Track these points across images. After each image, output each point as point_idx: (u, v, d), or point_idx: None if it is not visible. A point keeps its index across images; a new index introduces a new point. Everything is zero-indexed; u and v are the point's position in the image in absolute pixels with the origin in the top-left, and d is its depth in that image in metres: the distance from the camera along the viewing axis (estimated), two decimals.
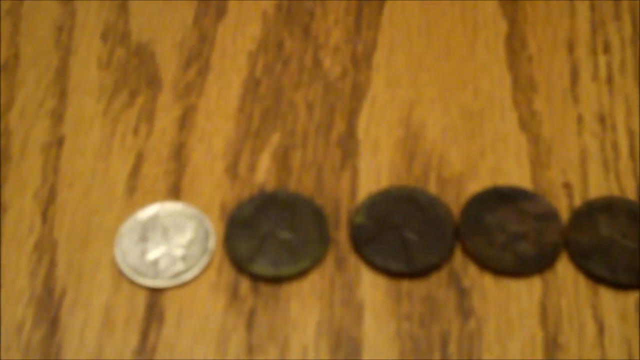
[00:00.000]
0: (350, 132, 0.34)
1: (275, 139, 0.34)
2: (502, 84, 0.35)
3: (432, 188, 0.32)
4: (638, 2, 0.37)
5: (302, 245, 0.31)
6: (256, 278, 0.30)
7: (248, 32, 0.37)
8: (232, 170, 0.33)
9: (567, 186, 0.32)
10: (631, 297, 0.30)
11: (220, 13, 0.37)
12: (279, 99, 0.35)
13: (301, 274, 0.30)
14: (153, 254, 0.31)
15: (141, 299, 0.30)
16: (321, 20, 0.37)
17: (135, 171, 0.33)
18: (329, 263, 0.31)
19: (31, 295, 0.30)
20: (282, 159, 0.33)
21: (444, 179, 0.33)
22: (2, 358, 0.29)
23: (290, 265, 0.30)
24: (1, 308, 0.30)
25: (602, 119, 0.34)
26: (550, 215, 0.31)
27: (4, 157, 0.33)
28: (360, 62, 0.36)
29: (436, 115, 0.34)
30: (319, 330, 0.29)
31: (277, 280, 0.30)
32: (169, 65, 0.36)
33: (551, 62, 0.36)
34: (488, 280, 0.30)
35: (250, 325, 0.29)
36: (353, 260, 0.31)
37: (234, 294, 0.30)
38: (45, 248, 0.31)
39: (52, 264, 0.31)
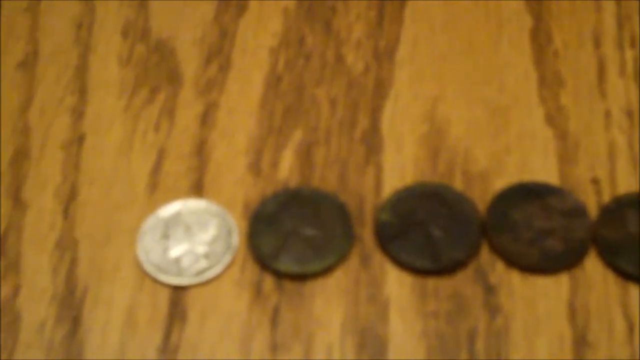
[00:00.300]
0: (374, 129, 0.33)
1: (297, 135, 0.33)
2: (528, 80, 0.35)
3: (458, 184, 0.32)
4: None
5: (326, 242, 0.30)
6: (280, 275, 0.30)
7: (269, 28, 0.36)
8: (254, 166, 0.33)
9: (595, 182, 0.32)
10: None
11: (241, 9, 0.37)
12: (301, 95, 0.34)
13: (326, 271, 0.30)
14: (175, 251, 0.30)
15: (164, 297, 0.30)
16: (343, 15, 0.37)
17: (156, 168, 0.33)
18: (353, 260, 0.30)
19: (53, 294, 0.30)
20: (305, 155, 0.33)
21: (470, 175, 0.32)
22: (23, 357, 0.29)
23: (315, 262, 0.30)
24: (23, 306, 0.30)
25: (630, 114, 0.33)
26: (578, 211, 0.31)
27: (23, 155, 0.33)
28: (383, 58, 0.35)
29: (460, 111, 0.34)
30: (344, 328, 0.29)
31: (301, 278, 0.30)
32: (189, 62, 0.35)
33: (577, 57, 0.35)
34: (515, 277, 0.30)
35: (274, 323, 0.29)
36: (378, 257, 0.30)
37: (257, 292, 0.30)
38: (67, 246, 0.31)
39: (74, 262, 0.31)
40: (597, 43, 0.35)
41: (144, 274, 0.30)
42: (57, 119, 0.34)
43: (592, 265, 0.30)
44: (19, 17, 0.37)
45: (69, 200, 0.32)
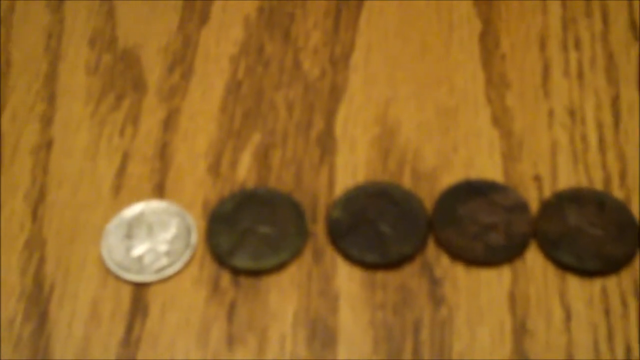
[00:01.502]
0: (329, 131, 0.35)
1: (256, 138, 0.35)
2: (476, 81, 0.36)
3: (407, 182, 0.34)
4: None
5: (281, 239, 0.32)
6: (237, 271, 0.32)
7: (230, 36, 0.38)
8: (214, 169, 0.34)
9: (537, 178, 0.34)
10: (597, 283, 0.31)
11: (204, 18, 0.39)
12: (260, 99, 0.36)
13: (280, 266, 0.32)
14: (138, 250, 0.32)
15: (126, 293, 0.31)
16: (301, 22, 0.38)
17: (121, 171, 0.34)
18: (307, 256, 0.32)
19: (22, 291, 0.31)
20: (263, 157, 0.34)
21: (419, 173, 0.34)
22: None
23: (270, 258, 0.32)
24: None
25: (572, 113, 0.35)
26: (520, 206, 0.32)
27: None
28: (339, 63, 0.37)
29: (411, 112, 0.35)
30: (297, 319, 0.31)
31: (256, 273, 0.32)
32: (154, 69, 0.37)
33: (523, 60, 0.37)
34: (459, 270, 0.31)
35: (230, 316, 0.31)
36: (330, 252, 0.32)
37: (215, 287, 0.31)
38: (35, 246, 0.33)
39: (42, 260, 0.32)
40: (543, 45, 0.37)
41: (107, 272, 0.32)
42: (28, 125, 0.36)
43: (533, 258, 0.32)
44: None
45: (38, 202, 0.34)
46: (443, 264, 0.32)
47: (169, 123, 0.36)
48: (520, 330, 0.30)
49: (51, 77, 0.37)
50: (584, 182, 0.33)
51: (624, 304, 0.31)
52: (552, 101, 0.35)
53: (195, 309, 0.31)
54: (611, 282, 0.31)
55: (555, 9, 0.38)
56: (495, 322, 0.30)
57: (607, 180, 0.33)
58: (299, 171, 0.34)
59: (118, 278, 0.32)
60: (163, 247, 0.32)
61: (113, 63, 0.37)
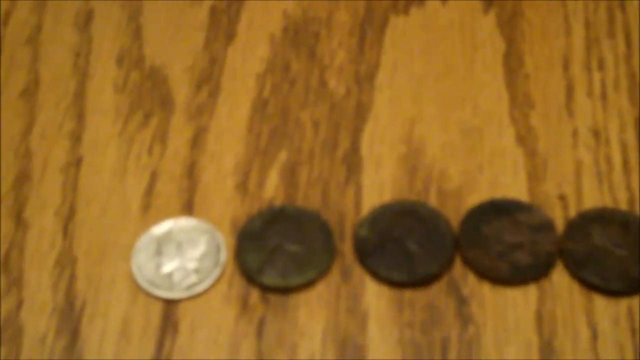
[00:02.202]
0: (355, 149, 0.35)
1: (282, 156, 0.35)
2: (500, 101, 0.37)
3: (433, 201, 0.34)
4: (631, 20, 0.39)
5: (309, 257, 0.32)
6: (265, 289, 0.32)
7: (256, 55, 0.38)
8: (242, 186, 0.35)
9: (562, 198, 0.34)
10: (623, 303, 0.31)
11: (230, 37, 0.39)
12: (286, 118, 0.36)
13: (308, 284, 0.32)
14: (168, 267, 0.32)
15: (156, 310, 0.32)
16: (326, 42, 0.39)
17: (149, 189, 0.35)
18: (334, 274, 0.32)
19: (53, 308, 0.32)
20: (290, 175, 0.35)
21: (444, 192, 0.34)
22: None
23: (298, 276, 0.32)
24: (25, 320, 0.32)
25: (596, 134, 0.35)
26: (546, 226, 0.33)
27: (25, 177, 0.35)
28: (364, 82, 0.37)
29: (436, 131, 0.36)
30: (326, 337, 0.31)
31: (285, 291, 0.32)
32: (181, 88, 0.38)
33: (547, 79, 0.37)
34: (486, 289, 0.32)
35: (260, 333, 0.31)
36: (357, 271, 0.32)
37: (244, 304, 0.32)
38: (66, 263, 0.33)
39: (73, 277, 0.33)
40: (566, 65, 0.37)
41: (137, 289, 0.32)
42: (57, 143, 0.36)
43: (559, 277, 0.32)
44: (20, 49, 0.39)
45: (68, 219, 0.34)
46: (470, 282, 0.32)
47: (196, 141, 0.36)
48: (547, 350, 0.30)
49: (80, 96, 0.38)
50: (608, 202, 0.34)
51: None
52: (576, 121, 0.36)
53: (225, 326, 0.31)
54: (637, 302, 0.31)
55: (578, 29, 0.39)
56: (522, 342, 0.31)
57: (632, 201, 0.34)
58: (325, 189, 0.34)
59: (148, 295, 0.32)
60: (192, 265, 0.32)
61: (140, 81, 0.38)
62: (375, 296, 0.32)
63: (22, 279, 0.33)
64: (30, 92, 0.38)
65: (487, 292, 0.32)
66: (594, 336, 0.31)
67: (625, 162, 0.35)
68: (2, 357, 0.31)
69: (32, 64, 0.39)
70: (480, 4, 0.39)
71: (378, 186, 0.34)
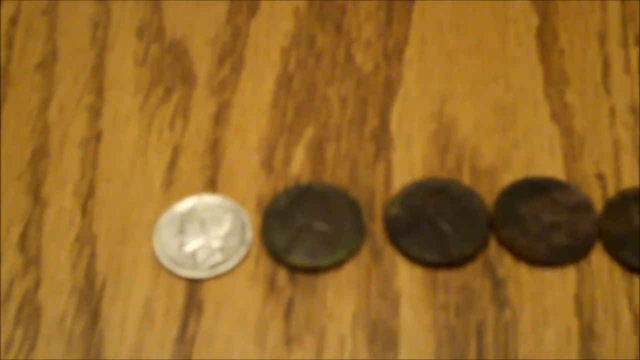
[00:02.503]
0: (384, 126, 0.34)
1: (309, 132, 0.34)
2: (534, 78, 0.35)
3: (466, 180, 0.33)
4: None
5: (337, 237, 0.31)
6: (293, 269, 0.31)
7: (281, 28, 0.37)
8: (267, 163, 0.33)
9: (600, 177, 0.33)
10: None
11: (253, 9, 0.38)
12: (312, 93, 0.35)
13: (337, 264, 0.31)
14: (191, 245, 0.31)
15: (180, 290, 0.31)
16: (353, 15, 0.37)
17: (172, 165, 0.33)
18: (364, 254, 0.31)
19: (72, 287, 0.31)
20: (316, 152, 0.34)
21: (477, 171, 0.33)
22: (45, 349, 0.29)
23: (327, 256, 0.31)
24: (43, 299, 0.30)
25: (634, 110, 0.34)
26: (584, 205, 0.32)
27: (43, 153, 0.34)
28: (392, 57, 0.36)
29: (468, 109, 0.35)
30: (356, 320, 0.30)
31: (313, 271, 0.31)
32: (203, 61, 0.36)
33: (583, 55, 0.36)
34: (523, 270, 0.31)
35: (288, 315, 0.30)
36: (389, 251, 0.31)
37: (271, 285, 0.31)
38: (85, 241, 0.32)
39: (92, 256, 0.31)
40: (602, 41, 0.36)
41: (160, 268, 0.31)
42: (75, 118, 0.35)
43: (598, 259, 0.31)
44: (38, 19, 0.38)
45: (87, 196, 0.33)
46: (506, 264, 0.31)
47: (219, 117, 0.35)
48: (588, 334, 0.29)
49: (98, 69, 0.36)
50: None
51: None
52: (613, 98, 0.35)
53: (252, 307, 0.30)
54: None
55: (614, 4, 0.37)
56: (561, 325, 0.29)
57: None
58: (353, 167, 0.33)
59: (171, 274, 0.31)
60: (217, 243, 0.31)
61: (161, 54, 0.37)
62: (407, 277, 0.31)
63: (40, 257, 0.31)
64: (47, 64, 0.36)
65: (524, 274, 0.31)
66: (636, 320, 0.29)
67: None
68: (20, 337, 0.30)
69: (50, 35, 0.37)
70: None
71: (408, 164, 0.33)
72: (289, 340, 0.29)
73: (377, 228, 0.32)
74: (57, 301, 0.30)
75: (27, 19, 0.38)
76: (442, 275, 0.31)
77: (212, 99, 0.35)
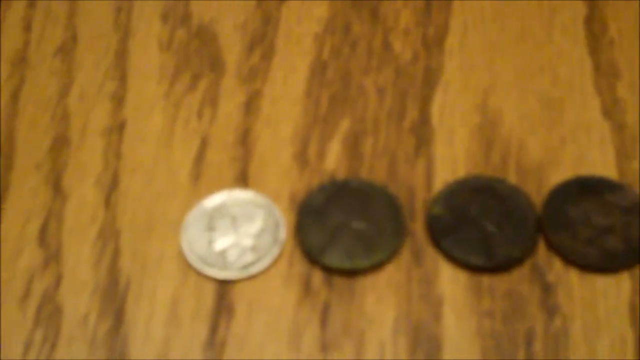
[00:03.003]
0: (424, 119, 0.32)
1: (344, 125, 0.32)
2: (582, 70, 0.33)
3: (512, 178, 0.31)
4: None
5: (376, 237, 0.29)
6: (329, 270, 0.29)
7: (314, 14, 0.35)
8: (300, 157, 0.32)
9: None
10: None
11: None
12: (348, 83, 0.33)
13: (376, 266, 0.29)
14: (221, 243, 0.29)
15: (209, 291, 0.29)
16: (390, 1, 0.35)
17: (199, 157, 0.32)
18: (405, 256, 0.29)
19: (95, 286, 0.29)
20: (353, 145, 0.32)
21: (524, 168, 0.31)
22: (66, 350, 0.28)
23: (365, 257, 0.29)
24: (64, 298, 0.29)
25: None
26: (638, 207, 0.30)
27: (63, 141, 0.32)
28: (432, 46, 0.34)
29: (513, 102, 0.33)
30: (397, 326, 0.28)
31: (351, 273, 0.29)
32: (232, 48, 0.34)
33: (634, 46, 0.34)
34: (573, 276, 0.29)
35: (324, 320, 0.28)
36: (431, 252, 0.29)
37: (306, 287, 0.29)
38: (109, 237, 0.30)
39: (116, 253, 0.30)
40: None
41: (188, 267, 0.29)
42: (97, 105, 0.33)
43: None
44: (57, 2, 0.36)
45: (111, 189, 0.31)
46: (555, 269, 0.29)
47: (250, 107, 0.33)
48: None
49: (121, 54, 0.34)
50: None
51: None
52: None
53: (285, 310, 0.28)
54: None
55: None
56: (615, 335, 0.28)
57: None
58: (392, 162, 0.31)
59: (200, 274, 0.29)
60: (248, 242, 0.29)
61: (187, 40, 0.35)
62: (450, 281, 0.29)
63: (61, 253, 0.30)
64: (67, 49, 0.35)
65: (575, 280, 0.29)
66: None
67: None
68: (40, 338, 0.28)
69: (70, 19, 0.35)
70: None
71: (451, 160, 0.31)
72: (325, 347, 0.28)
73: (418, 228, 0.30)
74: (78, 300, 0.29)
75: (46, 2, 0.36)
76: (487, 280, 0.29)
77: (242, 88, 0.33)
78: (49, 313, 0.28)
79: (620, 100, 0.32)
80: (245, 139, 0.32)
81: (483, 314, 0.28)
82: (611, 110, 0.32)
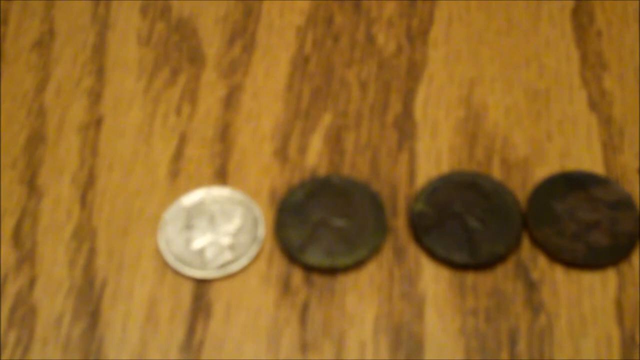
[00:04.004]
0: (407, 113, 0.32)
1: (326, 119, 0.32)
2: (569, 61, 0.33)
3: (496, 173, 0.30)
4: None
5: (357, 234, 0.29)
6: (309, 269, 0.28)
7: (296, 6, 0.35)
8: (281, 153, 0.31)
9: None
10: None
11: None
12: (330, 77, 0.33)
13: (357, 264, 0.28)
14: (199, 242, 0.29)
15: (187, 291, 0.28)
16: None
17: (178, 153, 0.31)
18: (387, 253, 0.29)
19: (70, 286, 0.28)
20: (335, 141, 0.31)
21: (509, 163, 0.30)
22: (40, 352, 0.27)
23: (346, 255, 0.28)
24: (38, 299, 0.28)
25: None
26: (625, 202, 0.29)
27: (39, 138, 0.32)
28: (416, 38, 0.33)
29: (498, 94, 0.32)
30: (378, 325, 0.27)
31: (331, 272, 0.28)
32: (212, 41, 0.34)
33: (622, 38, 0.33)
34: (559, 273, 0.28)
35: (303, 320, 0.28)
36: (413, 250, 0.29)
37: (285, 286, 0.28)
38: (85, 235, 0.29)
39: (92, 252, 0.29)
40: None
41: (165, 266, 0.29)
42: (74, 101, 0.32)
43: None
44: None
45: (87, 186, 0.30)
46: (540, 265, 0.28)
47: (230, 101, 0.32)
48: (630, 344, 0.27)
49: (99, 49, 0.34)
50: None
51: None
52: None
53: (264, 310, 0.28)
54: None
55: None
56: (600, 334, 0.27)
57: None
58: (375, 158, 0.31)
59: (177, 273, 0.28)
60: (226, 240, 0.29)
61: (167, 34, 0.34)
62: (433, 279, 0.28)
63: (35, 253, 0.29)
64: (44, 43, 0.34)
65: (560, 277, 0.28)
66: None
67: None
68: (13, 340, 0.27)
69: (47, 11, 0.35)
70: None
71: (434, 155, 0.31)
72: (304, 347, 0.27)
73: (400, 225, 0.29)
74: (53, 301, 0.28)
75: None
76: (470, 277, 0.28)
77: (222, 82, 0.33)
78: (23, 314, 0.28)
79: (607, 93, 0.32)
80: (224, 134, 0.31)
81: (466, 312, 0.28)
82: (598, 102, 0.32)
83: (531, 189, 0.30)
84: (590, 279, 0.28)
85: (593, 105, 0.32)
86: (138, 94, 0.32)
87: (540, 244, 0.28)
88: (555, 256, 0.28)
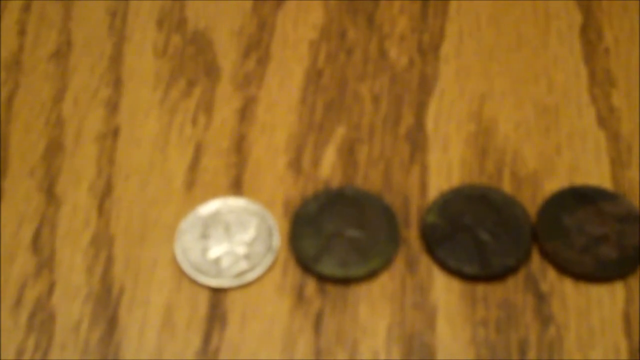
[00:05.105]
0: (419, 126, 0.32)
1: (340, 132, 0.32)
2: (578, 78, 0.33)
3: (506, 186, 0.31)
4: None
5: (371, 245, 0.29)
6: (323, 279, 0.29)
7: (309, 20, 0.35)
8: (295, 164, 0.32)
9: None
10: None
11: (280, 0, 0.36)
12: (343, 90, 0.33)
13: (370, 275, 0.29)
14: (215, 251, 0.29)
15: (203, 299, 0.29)
16: (386, 8, 0.35)
17: (194, 164, 0.32)
18: (399, 264, 0.29)
19: (88, 293, 0.29)
20: (348, 153, 0.32)
21: (519, 177, 0.31)
22: (58, 357, 0.28)
23: (359, 265, 0.29)
24: (57, 305, 0.29)
25: None
26: (633, 216, 0.30)
27: (57, 147, 0.32)
28: (428, 53, 0.34)
29: (508, 109, 0.33)
30: (390, 335, 0.28)
31: (345, 282, 0.29)
32: (227, 54, 0.34)
33: (630, 55, 0.34)
34: (568, 285, 0.29)
35: (317, 328, 0.28)
36: (425, 261, 0.29)
37: (299, 296, 0.29)
38: (102, 244, 0.30)
39: (109, 260, 0.30)
40: None
41: (181, 274, 0.29)
42: (92, 111, 0.33)
43: None
44: (51, 6, 0.36)
45: (104, 195, 0.31)
46: (549, 278, 0.29)
47: (245, 113, 0.33)
48: (637, 355, 0.27)
49: (116, 60, 0.34)
50: None
51: None
52: None
53: (279, 319, 0.28)
54: None
55: None
56: (609, 345, 0.28)
57: None
58: (387, 170, 0.31)
59: (194, 282, 0.29)
60: (242, 250, 0.29)
61: (183, 46, 0.35)
62: (444, 290, 0.29)
63: (53, 259, 0.30)
64: (62, 54, 0.34)
65: (569, 289, 0.29)
66: None
67: None
68: (32, 345, 0.28)
69: (64, 23, 0.35)
70: None
71: (445, 168, 0.31)
72: (318, 355, 0.28)
73: (412, 236, 0.30)
74: (71, 307, 0.29)
75: (40, 5, 0.36)
76: (481, 289, 0.29)
77: (237, 94, 0.33)
78: (42, 320, 0.28)
79: (616, 109, 0.32)
80: (240, 146, 0.32)
81: (477, 323, 0.28)
82: (606, 119, 0.32)
83: (541, 202, 0.30)
84: (598, 292, 0.29)
85: (601, 121, 0.32)
86: (154, 104, 0.33)
87: (549, 257, 0.29)
88: (565, 269, 0.29)
